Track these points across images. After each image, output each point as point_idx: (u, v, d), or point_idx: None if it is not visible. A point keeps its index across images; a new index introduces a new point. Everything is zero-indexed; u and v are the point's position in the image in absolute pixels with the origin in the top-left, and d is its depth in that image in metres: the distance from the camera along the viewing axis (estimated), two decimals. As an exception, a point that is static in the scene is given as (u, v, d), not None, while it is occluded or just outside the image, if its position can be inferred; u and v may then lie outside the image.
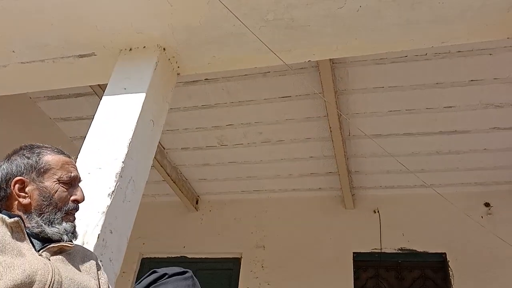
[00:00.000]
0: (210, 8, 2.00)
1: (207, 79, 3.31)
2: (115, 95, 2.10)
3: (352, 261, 4.02)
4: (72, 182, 1.23)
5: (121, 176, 1.83)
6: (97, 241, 1.66)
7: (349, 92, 3.17)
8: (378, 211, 4.26)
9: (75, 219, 1.22)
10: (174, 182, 4.19)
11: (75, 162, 1.62)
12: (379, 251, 4.02)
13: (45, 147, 1.26)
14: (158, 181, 4.27)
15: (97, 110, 2.08)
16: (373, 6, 2.00)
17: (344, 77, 3.04)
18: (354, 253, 4.08)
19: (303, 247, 4.11)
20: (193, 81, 3.32)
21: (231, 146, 3.97)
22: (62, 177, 1.20)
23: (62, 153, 1.27)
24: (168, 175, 4.10)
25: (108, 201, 1.75)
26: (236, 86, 3.32)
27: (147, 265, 4.37)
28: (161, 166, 3.99)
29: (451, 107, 3.29)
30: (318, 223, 4.26)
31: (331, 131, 3.40)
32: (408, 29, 2.10)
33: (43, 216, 1.14)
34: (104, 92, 2.17)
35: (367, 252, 4.04)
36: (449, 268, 3.83)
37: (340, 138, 3.45)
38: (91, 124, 2.01)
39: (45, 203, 1.15)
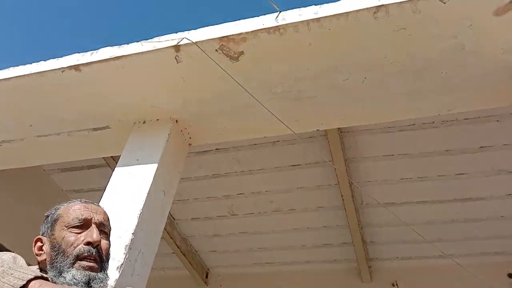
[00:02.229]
0: (221, 82, 2.09)
1: (217, 148, 3.36)
2: (127, 166, 2.13)
3: None
4: (85, 225, 1.13)
5: (130, 248, 1.80)
6: (103, 317, 1.60)
7: (359, 160, 3.18)
8: (396, 284, 4.06)
9: (94, 267, 1.08)
10: (183, 255, 4.10)
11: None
12: (400, 328, 3.77)
13: (69, 201, 1.22)
14: (168, 254, 4.17)
15: (109, 180, 2.10)
16: (377, 77, 2.07)
17: (353, 145, 3.07)
18: (372, 329, 3.84)
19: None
20: (204, 151, 3.37)
21: (242, 216, 3.92)
22: (70, 222, 1.13)
23: (81, 201, 1.21)
24: (178, 247, 4.02)
25: (116, 275, 1.71)
26: (246, 155, 3.36)
27: None
28: (170, 237, 3.93)
29: (463, 174, 3.25)
30: (334, 297, 4.06)
31: (343, 200, 3.36)
32: (413, 98, 2.15)
33: (54, 268, 1.07)
34: (117, 163, 2.21)
35: (387, 329, 3.80)
36: None
37: (353, 206, 3.40)
38: (103, 195, 2.03)
39: (54, 253, 1.09)
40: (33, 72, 2.11)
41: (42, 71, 2.10)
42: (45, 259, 1.11)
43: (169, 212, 2.73)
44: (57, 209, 1.20)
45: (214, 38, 1.91)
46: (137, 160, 2.16)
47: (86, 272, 1.05)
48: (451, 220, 3.62)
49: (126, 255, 1.77)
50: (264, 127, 2.35)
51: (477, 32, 1.81)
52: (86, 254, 1.08)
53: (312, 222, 3.85)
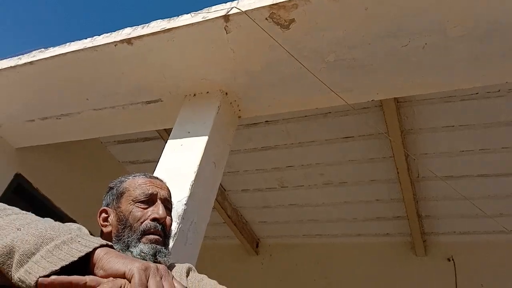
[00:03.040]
0: (271, 52, 2.03)
1: (267, 121, 3.32)
2: (179, 139, 2.16)
3: (425, 314, 3.69)
4: (151, 200, 1.14)
5: (183, 218, 1.83)
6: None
7: (416, 132, 3.02)
8: (452, 259, 3.92)
9: (159, 240, 1.10)
10: (234, 225, 4.17)
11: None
12: (456, 304, 3.66)
13: (132, 175, 1.22)
14: (219, 223, 4.27)
15: (162, 153, 2.14)
16: (440, 43, 1.92)
17: (410, 116, 2.92)
18: (425, 303, 3.75)
19: (372, 296, 3.85)
20: (254, 123, 3.35)
21: (292, 188, 3.89)
22: (137, 197, 1.13)
23: (144, 174, 1.21)
24: (229, 217, 4.09)
25: (170, 244, 1.74)
26: (297, 127, 3.30)
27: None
28: (221, 208, 4.00)
29: (529, 146, 3.02)
30: (387, 271, 3.99)
31: (398, 173, 3.23)
32: (479, 64, 1.98)
33: (121, 241, 1.08)
34: (169, 135, 2.24)
35: (441, 305, 3.70)
36: (539, 326, 3.39)
37: (409, 180, 3.27)
38: (156, 167, 2.07)
39: (121, 226, 1.10)
40: (87, 47, 2.15)
41: (95, 46, 2.14)
42: (111, 231, 1.12)
43: (220, 184, 2.76)
44: (122, 182, 1.21)
45: (264, 6, 1.84)
46: (189, 132, 2.17)
47: (153, 245, 1.07)
48: (514, 195, 3.40)
49: (179, 225, 1.81)
50: (315, 98, 2.28)
51: (558, -12, 1.62)
52: (152, 229, 1.10)
53: (364, 195, 3.76)
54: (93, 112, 2.54)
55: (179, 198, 1.88)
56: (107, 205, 1.18)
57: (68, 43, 2.33)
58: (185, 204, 1.86)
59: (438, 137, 3.06)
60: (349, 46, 1.95)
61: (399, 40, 1.90)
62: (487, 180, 3.32)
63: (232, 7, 1.91)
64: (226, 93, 2.31)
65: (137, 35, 2.07)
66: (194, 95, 2.32)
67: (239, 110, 2.42)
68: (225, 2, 2.00)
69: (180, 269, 1.13)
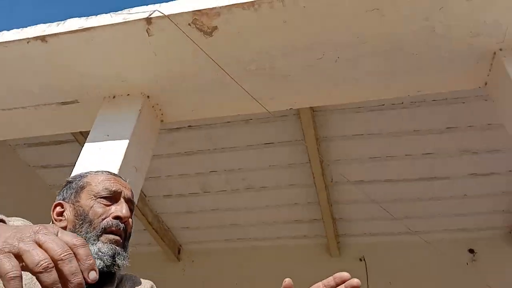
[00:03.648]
0: (194, 57, 2.06)
1: (190, 126, 3.33)
2: (97, 142, 2.10)
3: (338, 311, 3.90)
4: (114, 198, 1.08)
5: (100, 224, 1.78)
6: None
7: (330, 139, 3.23)
8: (364, 259, 4.20)
9: (119, 241, 1.03)
10: (155, 231, 4.10)
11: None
12: (366, 300, 3.92)
13: (96, 171, 1.16)
14: (139, 230, 4.16)
15: (79, 156, 2.06)
16: (350, 58, 2.09)
17: (324, 124, 3.11)
18: (340, 303, 3.97)
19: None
20: (176, 128, 3.34)
21: (214, 193, 3.93)
22: (100, 192, 1.07)
23: (110, 173, 1.15)
24: (150, 224, 4.01)
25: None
26: (219, 133, 3.35)
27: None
28: (142, 214, 3.91)
29: (429, 153, 3.35)
30: (304, 272, 4.15)
31: (314, 178, 3.42)
32: (384, 78, 2.19)
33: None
34: (86, 138, 2.17)
35: (353, 302, 3.94)
36: (437, 318, 3.75)
37: (323, 184, 3.47)
38: (73, 170, 1.99)
39: (79, 222, 1.03)
40: (-4, 42, 2.02)
41: (5, 41, 2.01)
42: (66, 226, 1.04)
43: (141, 189, 2.71)
44: (83, 176, 1.13)
45: (187, 12, 1.88)
46: (108, 135, 2.12)
47: (113, 245, 1.01)
48: (417, 198, 3.74)
49: (96, 231, 1.76)
50: (237, 104, 2.34)
51: (447, 15, 1.84)
52: (114, 228, 1.03)
53: (284, 199, 3.91)
54: (1, 112, 2.38)
55: (96, 203, 1.83)
56: (63, 199, 1.09)
57: (-27, 37, 2.16)
58: (102, 208, 1.81)
59: (349, 144, 3.29)
60: (269, 56, 2.05)
61: (314, 53, 2.03)
62: (393, 185, 3.63)
63: (155, 10, 1.92)
64: (148, 96, 2.30)
65: (53, 33, 1.99)
66: (114, 97, 2.27)
67: (162, 114, 2.42)
68: (147, 5, 2.00)
69: (144, 285, 1.10)
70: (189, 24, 1.91)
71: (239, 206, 4.03)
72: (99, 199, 1.06)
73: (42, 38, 1.98)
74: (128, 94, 2.26)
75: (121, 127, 2.15)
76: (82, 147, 2.12)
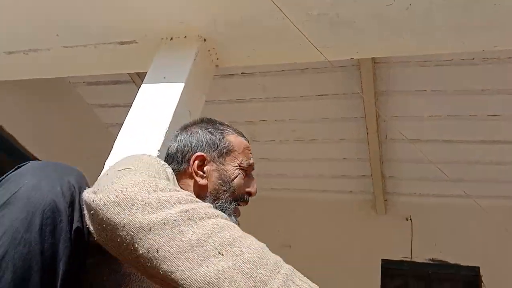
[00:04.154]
0: (254, 0, 1.96)
1: (243, 73, 3.28)
2: (154, 83, 2.09)
3: (380, 268, 3.92)
4: (249, 171, 1.11)
5: (156, 165, 1.82)
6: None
7: (389, 94, 3.07)
8: (410, 219, 4.13)
9: (240, 214, 1.06)
10: (203, 175, 4.20)
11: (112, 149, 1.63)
12: (409, 260, 3.90)
13: (227, 125, 1.16)
14: (189, 173, 4.28)
15: (136, 97, 2.08)
16: (423, 6, 1.91)
17: (385, 77, 2.95)
18: (382, 260, 3.97)
19: (330, 250, 4.03)
20: (230, 74, 3.30)
21: (263, 142, 3.93)
22: (242, 163, 1.08)
23: (243, 136, 1.17)
24: (199, 168, 4.11)
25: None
26: (273, 82, 3.28)
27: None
28: (193, 158, 4.00)
29: (496, 115, 3.13)
30: (347, 227, 4.17)
31: (367, 133, 3.31)
32: (459, 31, 1.99)
33: (217, 203, 1.01)
34: (142, 80, 2.17)
35: (396, 260, 3.93)
36: (482, 284, 3.67)
37: (377, 140, 3.36)
38: (129, 111, 2.02)
39: (223, 188, 1.03)
40: (59, -23, 2.01)
41: (67, -23, 2.00)
42: (206, 185, 1.02)
43: (193, 133, 2.74)
44: (224, 134, 1.11)
45: (250, -50, 1.76)
46: (164, 77, 2.11)
47: (237, 220, 1.04)
48: (475, 162, 3.56)
49: (151, 172, 1.79)
50: (295, 52, 2.24)
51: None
52: (243, 201, 1.06)
53: (333, 153, 3.85)
54: (63, 50, 2.42)
55: (153, 144, 1.86)
56: (202, 151, 1.06)
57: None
58: (159, 150, 1.83)
59: (410, 100, 3.13)
60: (334, 1, 1.91)
61: (384, -2, 1.87)
62: (451, 146, 3.45)
63: None
64: (205, 40, 2.24)
65: (114, -30, 1.95)
66: (171, 38, 2.23)
67: (217, 59, 2.36)
68: None
69: None
70: (252, -37, 1.80)
71: (287, 157, 4.02)
72: (241, 170, 1.07)
73: (103, -26, 1.95)
74: (185, 36, 2.21)
75: (177, 69, 2.13)
76: (139, 88, 2.14)
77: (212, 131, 1.11)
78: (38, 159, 3.21)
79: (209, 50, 2.30)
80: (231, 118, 3.72)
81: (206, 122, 1.14)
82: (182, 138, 1.10)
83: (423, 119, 3.25)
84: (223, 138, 1.10)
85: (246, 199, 1.07)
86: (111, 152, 1.90)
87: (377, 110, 3.08)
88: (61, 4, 2.18)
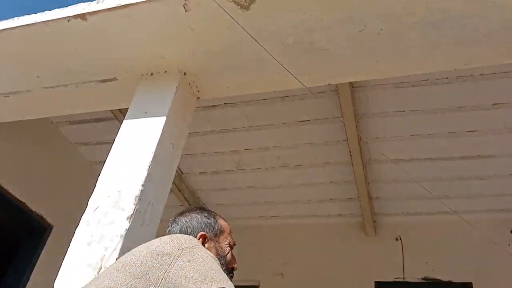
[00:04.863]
0: (231, 33, 2.02)
1: (226, 103, 3.32)
2: (136, 119, 2.11)
3: (373, 290, 3.89)
4: (232, 249, 1.35)
5: (140, 199, 1.81)
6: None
7: (369, 116, 3.14)
8: (400, 239, 4.14)
9: None
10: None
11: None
12: (402, 280, 3.88)
13: (215, 212, 1.42)
14: (176, 206, 4.24)
15: (118, 133, 2.09)
16: (394, 29, 1.99)
17: (364, 100, 3.02)
18: (376, 282, 3.94)
19: (323, 276, 3.99)
20: (212, 105, 3.34)
21: (249, 171, 3.94)
22: (230, 242, 1.35)
23: (227, 223, 1.43)
24: (186, 200, 4.09)
25: (127, 225, 1.73)
26: (255, 110, 3.33)
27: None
28: (179, 190, 3.98)
29: (474, 131, 3.21)
30: (339, 250, 4.15)
31: (351, 156, 3.35)
32: (431, 51, 2.07)
33: None
34: (124, 116, 2.19)
35: (389, 282, 3.91)
36: (477, 299, 3.67)
37: (361, 162, 3.40)
38: (112, 147, 2.02)
39: (221, 261, 1.24)
40: (38, 21, 2.05)
41: (47, 20, 2.03)
42: None
43: (178, 166, 2.74)
44: (216, 218, 1.39)
45: (224, -15, 1.83)
46: (146, 112, 2.13)
47: None
48: (458, 177, 3.62)
49: (136, 206, 1.78)
50: (274, 80, 2.29)
51: (502, -19, 1.71)
52: (230, 275, 1.28)
53: (319, 178, 3.87)
54: (44, 91, 2.43)
55: (136, 179, 1.86)
56: (203, 231, 1.32)
57: (17, 17, 2.20)
58: (142, 185, 1.83)
59: (390, 122, 3.20)
60: (308, 29, 1.97)
61: (355, 25, 1.94)
62: (433, 163, 3.51)
63: (192, -15, 1.88)
64: (185, 73, 2.28)
65: (92, 11, 1.99)
66: (151, 74, 2.27)
67: (198, 91, 2.40)
68: (184, -20, 1.96)
69: None
70: (226, -2, 1.86)
71: (274, 184, 4.03)
72: (229, 247, 1.33)
73: (82, 16, 1.99)
74: (166, 71, 2.25)
75: (159, 104, 2.15)
76: (121, 124, 2.15)
77: (207, 216, 1.38)
78: (21, 201, 3.16)
79: (189, 83, 2.34)
80: (215, 148, 3.75)
81: (200, 209, 1.41)
82: (183, 222, 1.36)
83: (404, 138, 3.32)
84: (216, 221, 1.37)
85: (232, 273, 1.30)
86: (95, 190, 1.89)
87: (359, 133, 3.14)
88: (40, 47, 2.21)
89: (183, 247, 1.04)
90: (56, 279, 1.63)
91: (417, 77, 2.86)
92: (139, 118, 2.11)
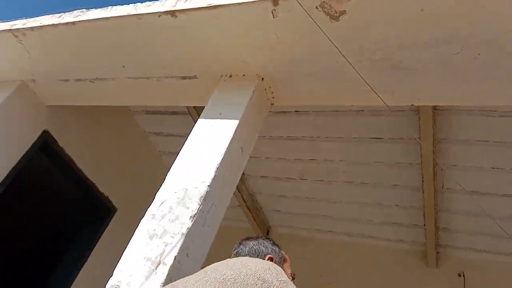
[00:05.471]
0: (316, 42, 1.97)
1: (297, 111, 3.27)
2: (210, 119, 2.13)
3: (427, 326, 3.65)
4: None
5: (204, 200, 1.81)
6: (173, 262, 1.64)
7: (449, 142, 2.93)
8: (463, 275, 3.84)
9: None
10: (248, 209, 4.17)
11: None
12: (461, 320, 3.61)
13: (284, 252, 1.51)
14: (233, 206, 4.26)
15: (192, 131, 2.11)
16: (492, 56, 1.83)
17: (446, 125, 2.82)
18: (429, 315, 3.71)
19: (375, 301, 3.81)
20: (283, 111, 3.30)
21: (311, 181, 3.86)
22: (292, 273, 1.44)
23: None
24: (244, 201, 4.09)
25: (189, 224, 1.74)
26: (326, 121, 3.24)
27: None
28: (238, 191, 3.99)
29: None
30: (394, 277, 3.94)
31: (423, 181, 3.16)
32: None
33: None
34: (198, 113, 2.22)
35: (446, 319, 3.65)
36: None
37: (433, 189, 3.20)
38: (184, 144, 2.05)
39: None
40: (131, 13, 2.12)
41: (139, 14, 2.11)
42: None
43: (242, 168, 2.74)
44: (280, 248, 1.48)
45: (316, -6, 1.78)
46: (220, 114, 2.14)
47: None
48: (539, 220, 3.29)
49: (200, 206, 1.79)
50: (353, 95, 2.21)
51: None
52: None
53: (384, 199, 3.70)
54: (127, 80, 2.53)
55: (203, 179, 1.86)
56: (270, 255, 1.40)
57: (110, 7, 2.30)
58: (208, 186, 1.84)
59: (471, 150, 2.97)
60: (398, 46, 1.87)
61: (451, 47, 1.81)
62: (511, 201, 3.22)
63: (283, -9, 1.85)
64: (263, 78, 2.27)
65: (182, 8, 2.03)
66: (230, 76, 2.28)
67: (273, 97, 2.38)
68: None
69: None
70: (316, 7, 1.81)
71: (335, 199, 3.91)
72: (291, 277, 1.38)
73: (172, 13, 2.03)
74: (244, 75, 2.25)
75: (234, 107, 2.15)
76: (194, 121, 2.18)
77: (272, 243, 1.48)
78: (90, 181, 3.33)
79: (265, 89, 2.32)
80: (281, 154, 3.71)
81: (266, 238, 1.50)
82: (251, 245, 1.45)
83: (484, 170, 3.07)
84: (280, 250, 1.47)
85: None
86: (163, 184, 1.92)
87: (435, 158, 2.95)
88: (129, 38, 2.30)
89: (281, 279, 1.09)
90: (116, 267, 1.67)
91: (508, 107, 2.63)
92: (213, 119, 2.12)
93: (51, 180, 3.41)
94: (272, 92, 2.36)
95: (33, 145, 2.87)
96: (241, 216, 4.35)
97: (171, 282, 1.58)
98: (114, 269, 1.69)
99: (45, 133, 2.98)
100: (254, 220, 4.31)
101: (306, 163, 3.69)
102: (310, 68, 2.15)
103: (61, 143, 3.10)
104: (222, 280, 1.06)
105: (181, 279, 1.18)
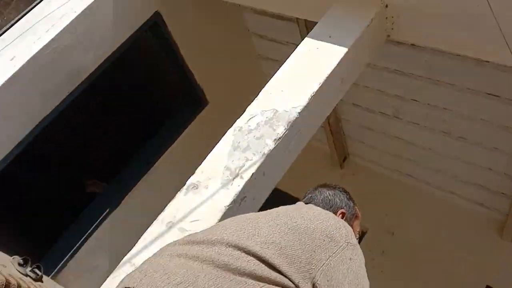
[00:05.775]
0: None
1: (413, 44, 2.95)
2: (318, 40, 2.01)
3: (482, 294, 3.57)
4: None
5: (292, 126, 1.79)
6: (250, 178, 1.69)
7: None
8: (538, 258, 3.60)
9: None
10: (331, 133, 4.10)
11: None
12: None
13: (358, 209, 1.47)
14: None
15: (296, 48, 2.02)
16: None
17: None
18: (487, 286, 3.60)
19: (433, 258, 3.71)
20: (398, 41, 3.01)
21: (405, 122, 3.63)
22: (360, 232, 1.42)
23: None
24: (329, 124, 4.01)
25: (271, 145, 1.74)
26: (442, 64, 2.90)
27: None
28: (327, 112, 3.90)
29: None
30: (462, 240, 3.78)
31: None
32: None
33: None
34: (306, 26, 2.08)
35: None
36: None
37: (539, 164, 2.87)
38: (284, 63, 1.98)
39: None
40: None
41: None
42: None
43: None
44: (355, 204, 1.44)
45: None
46: (330, 37, 2.00)
47: None
48: None
49: (286, 131, 1.77)
50: (485, 47, 1.92)
51: None
52: None
53: (478, 159, 3.42)
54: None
55: (295, 105, 1.81)
56: (342, 209, 1.38)
57: None
58: (299, 113, 1.79)
59: None
60: None
61: None
62: None
63: None
64: (387, 5, 2.04)
65: None
66: (354, -4, 2.06)
67: (392, 29, 2.15)
68: None
69: None
70: None
71: (426, 145, 3.69)
72: (358, 236, 1.33)
73: None
74: (368, -3, 2.03)
75: (346, 32, 2.00)
76: (300, 31, 2.06)
77: (349, 198, 1.43)
78: (190, 71, 3.42)
79: (386, 18, 2.10)
80: (381, 86, 3.47)
81: (343, 191, 1.45)
82: (327, 194, 1.40)
83: None
84: (354, 206, 1.43)
85: None
86: (255, 100, 1.89)
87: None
88: None
89: (349, 241, 1.09)
90: (198, 168, 1.75)
91: None
92: (321, 41, 1.99)
93: (155, 61, 3.56)
94: (393, 23, 2.12)
95: (143, 24, 2.94)
96: (322, 137, 4.29)
97: (245, 195, 1.65)
98: (193, 162, 1.78)
99: (157, 15, 3.03)
100: (334, 144, 4.26)
101: (405, 101, 3.45)
102: (446, 8, 1.87)
103: (170, 27, 3.15)
104: (292, 227, 1.08)
105: (252, 215, 1.20)
